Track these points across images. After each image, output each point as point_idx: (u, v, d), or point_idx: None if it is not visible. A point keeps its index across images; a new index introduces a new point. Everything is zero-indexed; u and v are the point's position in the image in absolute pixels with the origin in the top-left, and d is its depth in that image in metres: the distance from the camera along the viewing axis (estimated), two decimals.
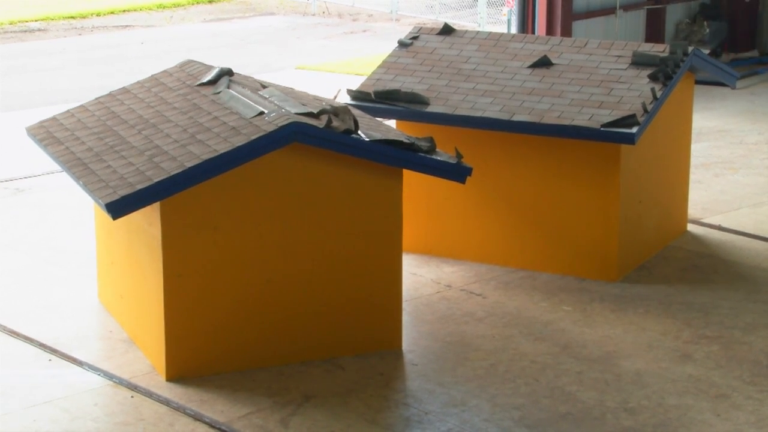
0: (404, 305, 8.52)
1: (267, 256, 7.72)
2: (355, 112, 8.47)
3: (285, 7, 25.91)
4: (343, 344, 7.99)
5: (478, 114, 9.30)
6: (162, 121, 8.13)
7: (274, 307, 7.79)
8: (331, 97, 9.28)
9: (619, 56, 9.69)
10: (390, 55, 10.25)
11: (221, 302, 7.66)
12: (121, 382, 7.68)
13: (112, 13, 25.33)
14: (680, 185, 10.36)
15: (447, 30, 10.45)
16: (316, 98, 8.66)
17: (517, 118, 9.17)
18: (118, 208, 7.18)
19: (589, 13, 15.69)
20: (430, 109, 9.46)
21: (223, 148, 7.39)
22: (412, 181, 8.80)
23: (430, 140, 8.03)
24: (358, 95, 9.68)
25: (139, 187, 7.21)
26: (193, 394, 7.50)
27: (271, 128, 7.45)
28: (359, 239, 7.91)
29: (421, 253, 9.88)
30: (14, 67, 19.34)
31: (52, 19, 24.45)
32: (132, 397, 7.50)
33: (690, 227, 10.58)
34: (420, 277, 9.47)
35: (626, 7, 16.13)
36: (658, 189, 9.91)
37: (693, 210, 10.85)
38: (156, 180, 7.24)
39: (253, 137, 7.40)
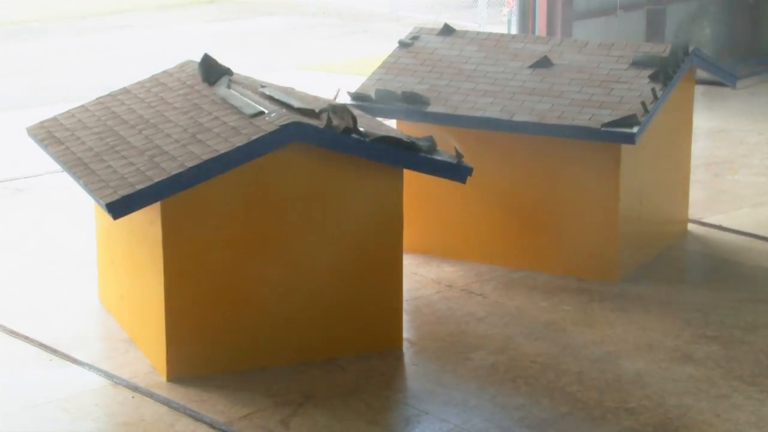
0: (405, 305, 8.52)
1: (267, 256, 7.72)
2: (355, 112, 8.47)
3: (285, 7, 25.91)
4: (343, 344, 7.99)
5: (479, 114, 9.30)
6: (162, 121, 8.14)
7: (275, 307, 7.79)
8: (331, 98, 9.28)
9: (619, 56, 9.69)
10: (390, 56, 10.25)
11: (221, 302, 7.66)
12: (121, 382, 7.68)
13: (112, 13, 25.34)
14: (680, 185, 10.36)
15: (447, 30, 10.46)
16: (316, 98, 8.66)
17: (517, 118, 9.18)
18: (118, 208, 7.18)
19: (590, 14, 15.69)
20: (430, 109, 9.46)
21: (223, 148, 7.39)
22: (412, 180, 8.80)
23: (430, 140, 8.03)
24: (358, 96, 9.69)
25: (140, 187, 7.21)
26: (194, 394, 7.50)
27: (271, 128, 7.45)
28: (360, 239, 7.91)
29: (422, 253, 9.88)
30: (14, 67, 19.34)
31: (52, 19, 24.45)
32: (133, 397, 7.50)
33: (690, 227, 10.59)
34: (420, 276, 9.47)
35: (626, 8, 16.14)
36: (658, 189, 9.91)
37: (693, 210, 10.85)
38: (156, 180, 7.24)
39: (254, 137, 7.40)
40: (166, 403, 7.41)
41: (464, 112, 9.36)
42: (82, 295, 9.10)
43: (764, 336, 8.41)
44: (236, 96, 8.12)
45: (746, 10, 17.75)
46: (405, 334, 8.31)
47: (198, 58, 8.94)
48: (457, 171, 7.96)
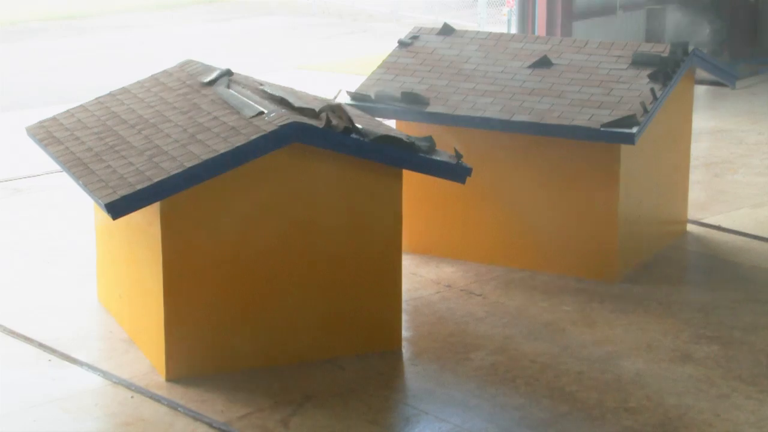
0: (404, 305, 8.52)
1: (267, 256, 7.71)
2: (355, 112, 8.47)
3: (285, 7, 25.92)
4: (343, 344, 7.99)
5: (478, 114, 9.30)
6: (162, 121, 8.14)
7: (274, 307, 7.79)
8: (331, 97, 9.27)
9: (619, 56, 9.69)
10: (390, 55, 10.25)
11: (221, 302, 7.66)
12: (121, 382, 7.68)
13: (111, 13, 25.34)
14: (680, 185, 10.36)
15: (447, 30, 10.46)
16: (316, 98, 8.66)
17: (517, 118, 9.17)
18: (117, 208, 7.18)
19: (589, 13, 15.69)
20: (430, 109, 9.46)
21: (222, 148, 7.39)
22: (412, 181, 8.81)
23: (430, 140, 8.03)
24: (358, 96, 9.68)
25: (139, 187, 7.21)
26: (193, 394, 7.50)
27: (271, 128, 7.45)
28: (359, 239, 7.91)
29: (421, 253, 9.88)
30: (14, 67, 19.34)
31: (52, 19, 24.45)
32: (132, 397, 7.50)
33: (690, 227, 10.59)
34: (420, 277, 9.47)
35: (626, 8, 16.14)
36: (658, 189, 9.91)
37: (693, 210, 10.85)
38: (156, 180, 7.24)
39: (253, 137, 7.40)
40: (166, 403, 7.41)
41: (464, 112, 9.36)
42: (81, 295, 9.10)
43: (764, 336, 8.41)
44: (236, 96, 8.12)
45: (746, 10, 17.75)
46: (404, 334, 8.31)
47: (198, 58, 8.94)
48: (456, 171, 7.95)
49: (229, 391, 7.54)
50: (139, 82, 9.11)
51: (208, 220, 7.56)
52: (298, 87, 9.37)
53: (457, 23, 15.50)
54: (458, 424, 7.18)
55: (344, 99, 9.62)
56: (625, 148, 9.14)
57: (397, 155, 7.77)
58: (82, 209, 10.63)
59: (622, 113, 8.99)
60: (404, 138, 7.86)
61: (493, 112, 9.28)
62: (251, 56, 19.74)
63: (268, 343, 7.81)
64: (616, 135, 8.89)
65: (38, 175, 12.30)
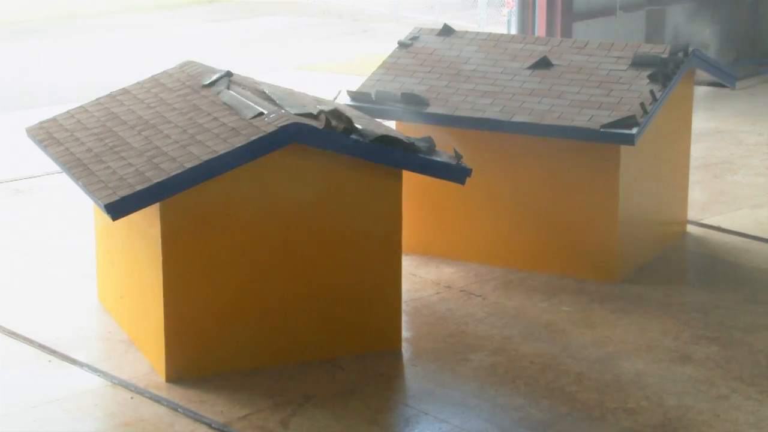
0: (404, 306, 8.52)
1: (267, 256, 7.72)
2: (355, 113, 8.48)
3: (285, 7, 25.92)
4: (343, 344, 8.00)
5: (478, 115, 9.30)
6: (162, 122, 8.14)
7: (274, 307, 7.79)
8: (332, 98, 9.28)
9: (619, 57, 9.70)
10: (390, 56, 10.26)
11: (221, 302, 7.67)
12: (120, 382, 7.68)
13: (111, 13, 25.35)
14: (680, 186, 10.36)
15: (447, 30, 10.46)
16: (316, 99, 8.66)
17: (517, 119, 9.18)
18: (117, 209, 7.18)
19: (589, 14, 15.69)
20: (430, 110, 9.46)
21: (222, 149, 7.39)
22: (412, 181, 8.81)
23: (429, 140, 8.03)
24: (358, 96, 9.69)
25: (139, 188, 7.21)
26: (193, 395, 7.50)
27: (270, 129, 7.45)
28: (359, 240, 7.91)
29: (421, 254, 9.88)
30: (14, 67, 19.34)
31: (52, 19, 24.46)
32: (132, 397, 7.50)
33: (689, 228, 10.59)
34: (420, 277, 9.47)
35: (626, 8, 16.14)
36: (657, 190, 9.91)
37: (692, 211, 10.85)
38: (156, 181, 7.24)
39: (253, 138, 7.41)
40: (166, 403, 7.41)
41: (463, 112, 9.36)
42: (81, 296, 9.10)
43: (763, 337, 8.41)
44: (235, 97, 8.13)
45: (745, 10, 17.75)
46: (404, 335, 8.31)
47: (199, 59, 8.94)
48: (456, 172, 7.95)
49: (229, 391, 7.54)
50: (138, 83, 9.11)
51: (208, 221, 7.56)
52: (298, 87, 9.38)
53: (457, 24, 15.50)
54: (458, 425, 7.19)
55: (344, 99, 9.62)
56: (624, 149, 9.15)
57: (397, 156, 7.77)
58: (82, 210, 10.64)
59: (622, 114, 8.99)
60: (404, 139, 7.87)
61: (492, 112, 9.29)
62: (251, 56, 19.74)
63: (268, 344, 7.82)
64: (615, 136, 8.90)
65: (38, 176, 12.30)
